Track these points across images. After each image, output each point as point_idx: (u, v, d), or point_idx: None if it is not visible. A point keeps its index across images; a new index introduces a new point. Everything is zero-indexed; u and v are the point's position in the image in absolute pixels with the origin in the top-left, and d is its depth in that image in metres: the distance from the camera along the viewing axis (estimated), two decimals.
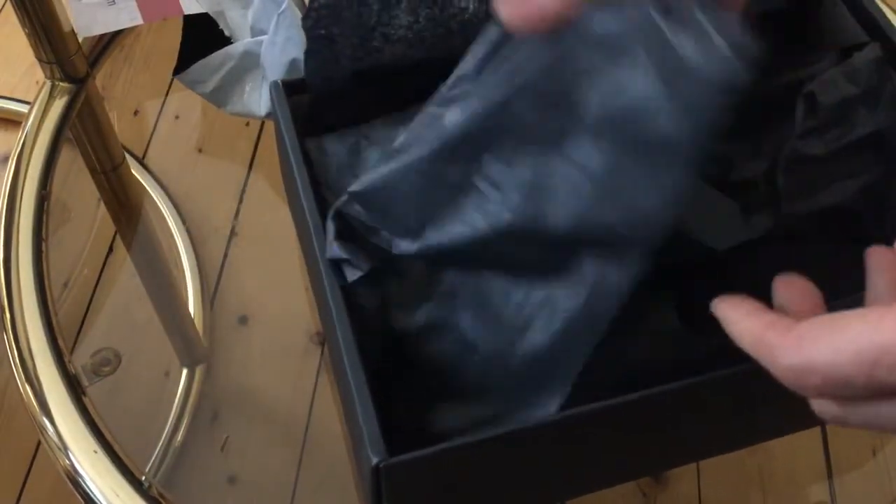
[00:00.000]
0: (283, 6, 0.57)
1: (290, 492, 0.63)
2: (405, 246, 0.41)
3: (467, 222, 0.39)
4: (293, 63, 0.57)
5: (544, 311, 0.39)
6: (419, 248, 0.40)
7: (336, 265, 0.41)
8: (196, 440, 0.65)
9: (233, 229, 0.75)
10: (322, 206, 0.44)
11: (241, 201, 0.76)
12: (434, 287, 0.42)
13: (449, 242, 0.39)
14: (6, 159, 0.70)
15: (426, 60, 0.47)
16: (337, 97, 0.48)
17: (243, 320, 0.70)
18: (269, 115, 0.65)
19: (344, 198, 0.41)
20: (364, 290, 0.42)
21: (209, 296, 0.72)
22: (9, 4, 0.96)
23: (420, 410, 0.42)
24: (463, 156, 0.38)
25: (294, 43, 0.57)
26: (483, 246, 0.39)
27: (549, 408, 0.39)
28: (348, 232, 0.42)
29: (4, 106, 0.95)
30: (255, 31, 0.62)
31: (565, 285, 0.38)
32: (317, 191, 0.45)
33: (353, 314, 0.41)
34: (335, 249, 0.41)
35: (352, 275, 0.41)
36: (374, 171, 0.41)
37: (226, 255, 0.73)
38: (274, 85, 0.48)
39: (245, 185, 0.77)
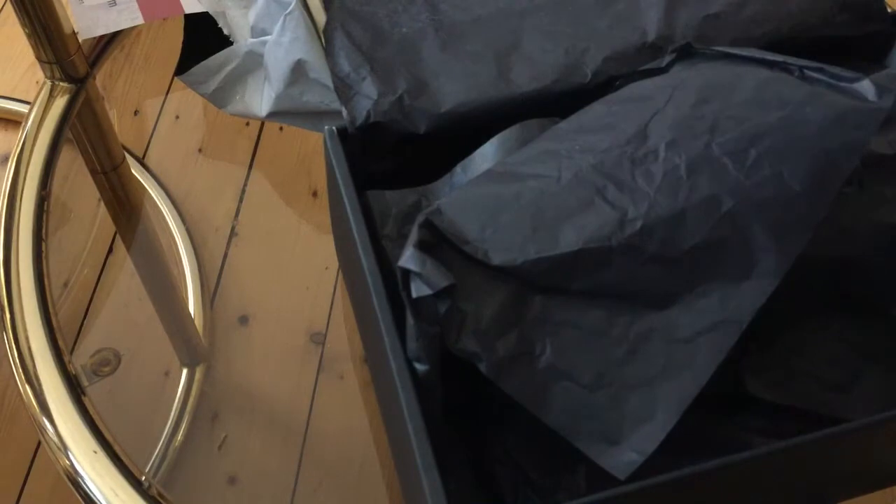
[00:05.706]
0: (291, 7, 0.57)
1: (290, 492, 0.63)
2: (505, 256, 0.38)
3: (587, 228, 0.36)
4: (298, 64, 0.57)
5: (655, 339, 0.36)
6: (525, 261, 0.37)
7: (405, 276, 0.38)
8: (196, 440, 0.65)
9: (233, 229, 0.75)
10: (380, 255, 0.42)
11: (241, 201, 0.76)
12: (522, 311, 0.38)
13: (560, 253, 0.37)
14: (6, 159, 0.70)
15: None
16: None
17: (243, 320, 0.70)
18: (269, 116, 0.64)
19: (433, 207, 0.40)
20: (428, 313, 0.38)
21: (209, 296, 0.72)
22: (9, 4, 0.96)
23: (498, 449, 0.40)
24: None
25: (300, 44, 0.56)
26: (599, 260, 0.36)
27: (648, 443, 0.35)
28: (429, 247, 0.39)
29: (4, 106, 0.95)
30: (257, 31, 0.62)
31: (686, 312, 0.36)
32: (374, 240, 0.43)
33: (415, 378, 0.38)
34: (410, 258, 0.38)
35: (419, 290, 0.38)
36: (473, 186, 0.40)
37: (226, 255, 0.73)
38: (329, 132, 0.48)
39: (245, 185, 0.77)
